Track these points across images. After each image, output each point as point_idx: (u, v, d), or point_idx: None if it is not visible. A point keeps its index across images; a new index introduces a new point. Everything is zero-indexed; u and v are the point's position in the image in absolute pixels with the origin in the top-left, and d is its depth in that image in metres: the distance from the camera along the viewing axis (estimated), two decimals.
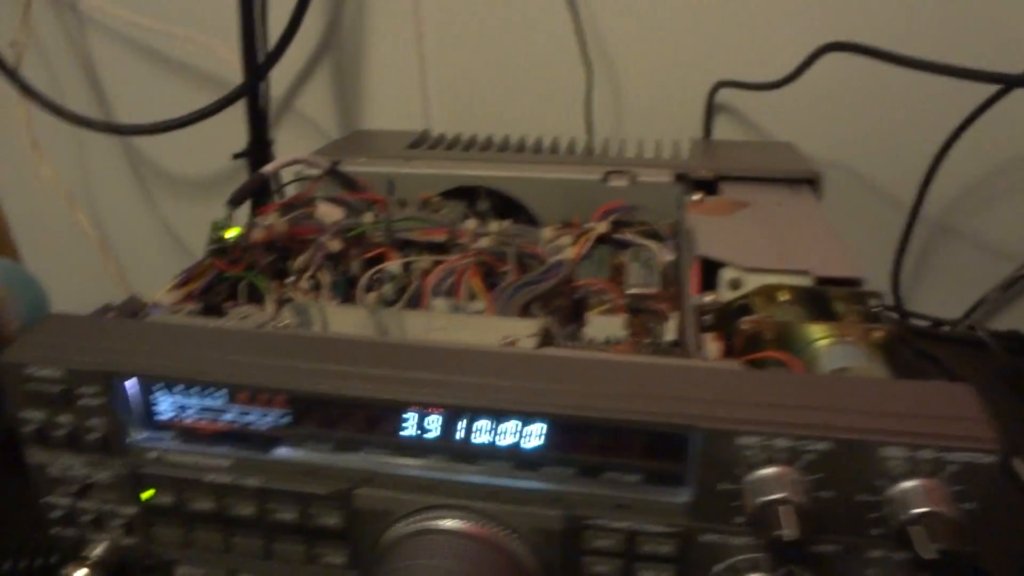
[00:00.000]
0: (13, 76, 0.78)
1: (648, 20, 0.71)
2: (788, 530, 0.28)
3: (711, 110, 0.72)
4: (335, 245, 0.48)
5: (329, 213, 0.50)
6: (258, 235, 0.48)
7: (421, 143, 0.66)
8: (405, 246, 0.50)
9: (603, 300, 0.44)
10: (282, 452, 0.34)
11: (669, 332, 0.43)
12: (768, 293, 0.42)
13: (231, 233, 0.45)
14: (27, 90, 0.78)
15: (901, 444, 0.29)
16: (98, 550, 0.36)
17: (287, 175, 0.58)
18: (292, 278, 0.47)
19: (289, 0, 0.70)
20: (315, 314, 0.40)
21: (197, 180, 0.89)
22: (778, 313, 0.41)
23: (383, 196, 0.53)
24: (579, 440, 0.32)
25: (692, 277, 0.44)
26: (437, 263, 0.48)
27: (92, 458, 0.35)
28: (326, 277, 0.46)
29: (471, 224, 0.50)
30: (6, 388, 0.35)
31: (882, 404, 0.30)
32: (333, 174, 0.53)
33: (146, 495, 0.36)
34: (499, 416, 0.32)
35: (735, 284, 0.42)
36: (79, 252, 0.89)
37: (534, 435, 0.32)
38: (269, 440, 0.34)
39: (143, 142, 0.88)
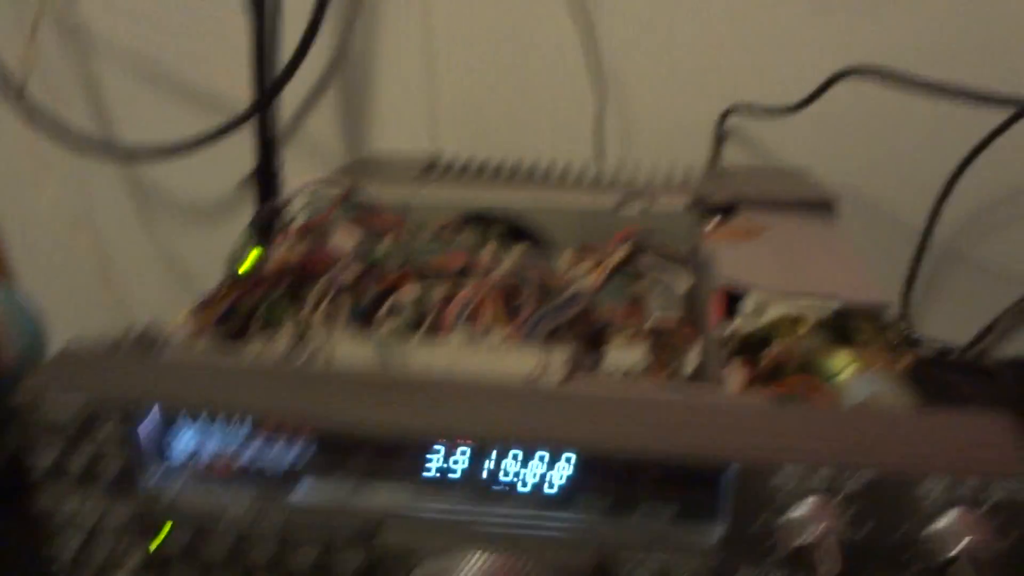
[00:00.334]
0: (18, 99, 0.77)
1: (661, 44, 0.71)
2: (830, 564, 0.28)
3: (723, 135, 0.72)
4: (352, 272, 0.48)
5: (346, 239, 0.50)
6: (274, 262, 0.47)
7: (433, 168, 0.66)
8: (424, 273, 0.50)
9: (623, 329, 0.44)
10: (302, 493, 0.33)
11: (691, 362, 0.42)
12: (791, 320, 0.42)
13: (250, 259, 0.45)
14: (32, 114, 0.78)
15: (942, 475, 0.28)
16: None
17: (300, 199, 0.58)
18: (308, 307, 0.46)
19: (298, 23, 0.70)
20: (333, 346, 0.40)
21: (201, 205, 0.89)
22: (802, 341, 0.41)
23: (400, 221, 0.53)
24: (609, 476, 0.32)
25: (714, 305, 0.44)
26: (457, 290, 0.47)
27: (104, 499, 0.34)
28: (343, 306, 0.46)
29: (489, 251, 0.49)
30: (17, 425, 0.34)
31: (918, 435, 0.30)
32: (350, 200, 0.52)
33: (160, 537, 0.35)
34: (528, 451, 0.31)
35: (758, 310, 0.42)
36: (79, 277, 0.88)
37: (563, 471, 0.32)
38: (288, 480, 0.34)
39: (148, 167, 0.87)
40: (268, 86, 0.71)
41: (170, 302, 0.46)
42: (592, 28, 0.71)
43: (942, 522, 0.29)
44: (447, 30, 0.75)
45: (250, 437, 0.34)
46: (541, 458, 0.32)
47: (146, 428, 0.34)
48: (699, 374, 0.42)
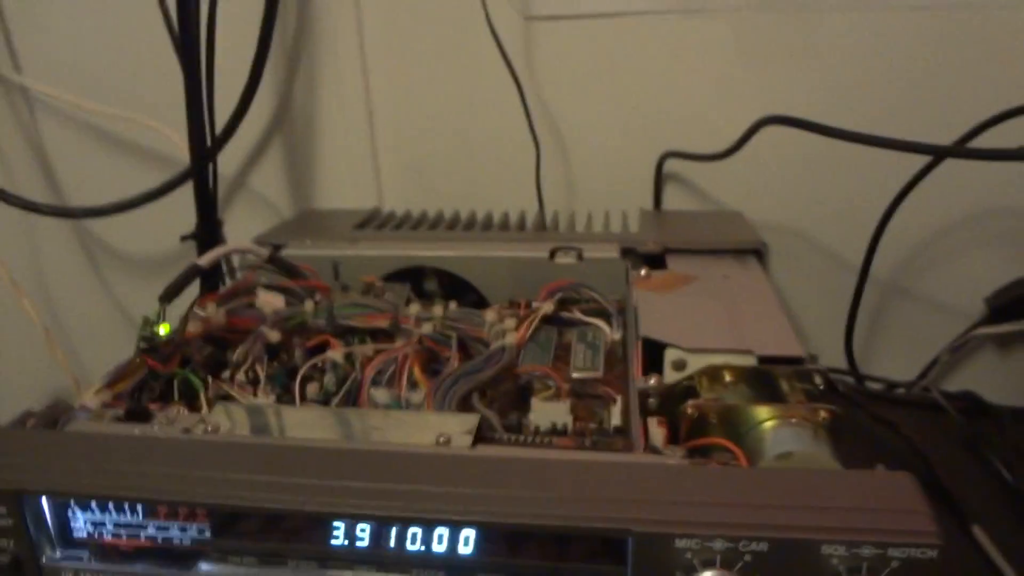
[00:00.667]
0: None
1: (595, 95, 0.72)
2: None
3: (660, 180, 0.72)
4: (275, 335, 0.47)
5: (269, 302, 0.49)
6: (194, 328, 0.46)
7: (369, 223, 0.66)
8: (348, 333, 0.49)
9: (547, 385, 0.43)
10: (205, 568, 0.32)
11: (615, 416, 0.42)
12: (713, 374, 0.41)
13: (163, 329, 0.44)
14: None
15: (841, 541, 0.28)
16: None
17: (236, 261, 0.58)
18: (229, 372, 0.46)
19: (239, 79, 0.70)
20: (244, 414, 0.39)
21: (151, 260, 0.88)
22: (724, 394, 0.41)
23: (325, 282, 0.52)
24: (515, 546, 0.31)
25: (635, 359, 0.43)
26: (379, 351, 0.47)
27: None
28: (263, 370, 0.45)
29: (414, 308, 0.49)
30: None
31: (821, 499, 0.29)
32: (274, 261, 0.52)
33: None
34: (427, 528, 0.31)
35: (679, 365, 0.42)
36: (28, 339, 0.87)
37: (468, 543, 0.31)
38: (192, 555, 0.33)
39: (94, 223, 0.87)
40: (209, 144, 0.70)
41: (124, 357, 0.45)
42: (527, 81, 0.71)
43: None
44: (386, 86, 0.76)
45: (148, 514, 0.33)
46: (440, 536, 0.31)
47: (43, 509, 0.33)
48: (623, 428, 0.41)
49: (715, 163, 0.67)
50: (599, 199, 0.74)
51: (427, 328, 0.47)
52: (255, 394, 0.44)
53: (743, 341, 0.42)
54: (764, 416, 0.38)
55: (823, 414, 0.38)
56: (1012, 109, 0.53)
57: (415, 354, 0.45)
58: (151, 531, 0.33)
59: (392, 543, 0.32)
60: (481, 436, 0.37)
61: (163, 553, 0.33)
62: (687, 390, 0.41)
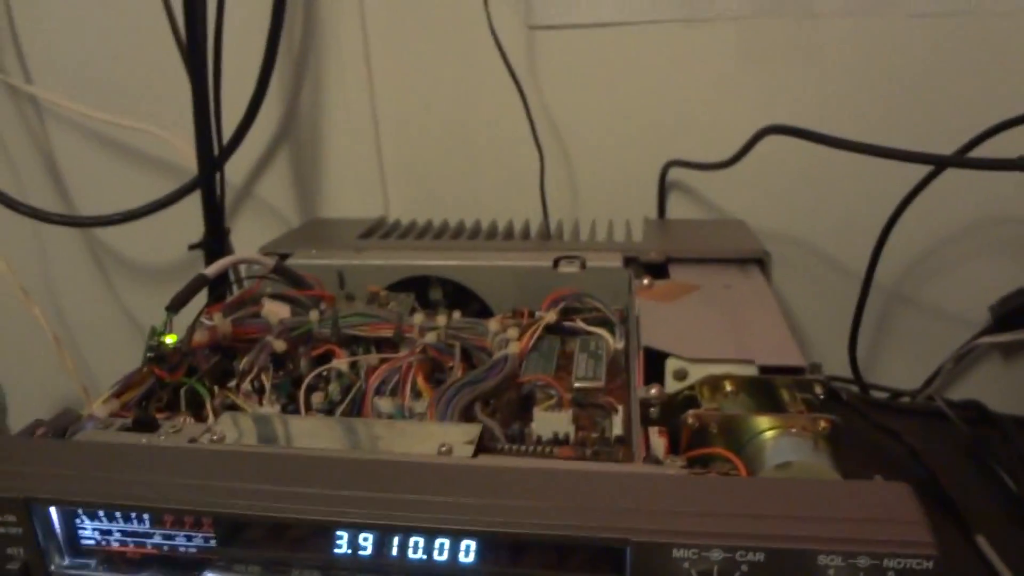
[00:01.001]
0: None
1: (598, 104, 0.73)
2: None
3: (664, 189, 0.73)
4: (280, 345, 0.47)
5: (275, 311, 0.50)
6: (201, 337, 0.47)
7: (374, 232, 0.66)
8: (353, 342, 0.50)
9: (549, 395, 0.44)
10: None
11: (616, 426, 0.42)
12: (714, 383, 0.42)
13: (170, 339, 0.45)
14: None
15: (837, 552, 0.28)
16: None
17: (244, 271, 0.58)
18: (235, 381, 0.46)
19: (246, 89, 0.70)
20: (250, 424, 0.39)
21: (161, 269, 0.89)
22: (724, 404, 0.41)
23: (331, 292, 0.53)
24: (515, 555, 0.31)
25: (637, 369, 0.44)
26: (384, 360, 0.47)
27: None
28: (269, 379, 0.46)
29: (418, 318, 0.49)
30: None
31: (818, 509, 0.30)
32: (279, 271, 0.52)
33: None
34: (429, 538, 0.31)
35: (680, 375, 0.42)
36: (39, 347, 0.88)
37: (469, 552, 0.31)
38: (197, 564, 0.33)
39: (103, 232, 0.88)
40: (216, 153, 0.71)
41: (133, 366, 0.45)
42: (531, 89, 0.72)
43: None
44: (391, 95, 0.76)
45: (154, 523, 0.33)
46: (441, 546, 0.31)
47: (51, 518, 0.33)
48: (624, 438, 0.41)
49: (719, 171, 0.67)
50: (603, 207, 0.74)
51: (431, 337, 0.47)
52: (261, 403, 0.45)
53: (744, 351, 0.43)
54: (764, 426, 0.39)
55: (823, 424, 0.38)
56: (1014, 118, 0.53)
57: (418, 364, 0.45)
58: (157, 539, 0.33)
59: (395, 552, 0.32)
60: (483, 446, 0.37)
61: (169, 561, 0.33)
62: (688, 400, 0.41)
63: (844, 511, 0.30)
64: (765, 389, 0.41)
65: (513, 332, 0.48)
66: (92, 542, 0.34)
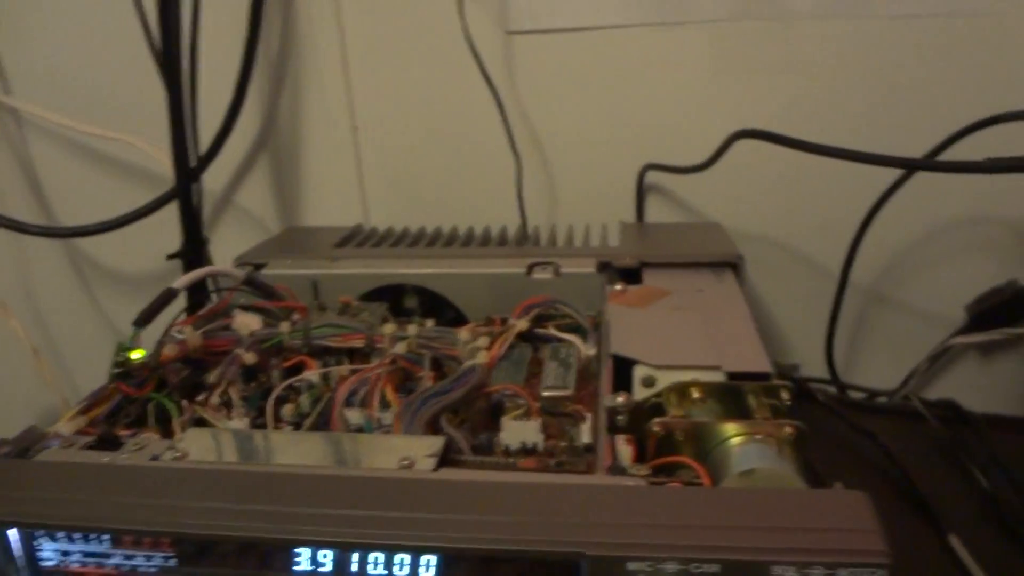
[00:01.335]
0: None
1: (575, 108, 0.73)
2: None
3: (642, 193, 0.73)
4: (250, 357, 0.47)
5: (246, 323, 0.50)
6: (170, 351, 0.47)
7: (350, 240, 0.66)
8: (325, 353, 0.50)
9: (518, 404, 0.44)
10: None
11: (585, 434, 0.42)
12: (681, 390, 0.42)
13: (136, 354, 0.45)
14: None
15: (791, 562, 0.28)
16: None
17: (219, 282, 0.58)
18: (204, 394, 0.46)
19: (224, 98, 0.70)
20: (213, 440, 0.39)
21: (141, 278, 0.89)
22: (692, 410, 0.41)
23: (304, 302, 0.53)
24: (475, 570, 0.31)
25: (605, 376, 0.44)
26: (355, 371, 0.47)
27: None
28: (237, 392, 0.45)
29: (389, 328, 0.49)
30: None
31: (774, 519, 0.30)
32: (251, 283, 0.52)
33: None
34: (391, 551, 0.31)
35: (648, 382, 0.42)
36: (19, 359, 0.87)
37: (429, 567, 0.31)
38: None
39: (83, 242, 0.87)
40: (193, 164, 0.71)
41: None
42: (507, 95, 0.72)
43: None
44: (369, 102, 0.76)
45: (114, 544, 0.33)
46: (401, 561, 0.31)
47: (8, 540, 0.33)
48: (593, 446, 0.42)
49: (696, 175, 0.68)
50: (581, 211, 0.74)
51: (401, 348, 0.47)
52: (229, 416, 0.45)
53: (712, 357, 0.43)
54: (729, 433, 0.39)
55: (788, 430, 0.38)
56: (984, 119, 0.54)
57: (388, 374, 0.45)
58: (118, 560, 0.33)
59: (355, 569, 0.32)
60: (448, 458, 0.37)
61: None
62: (656, 407, 0.41)
63: (800, 520, 0.30)
64: (732, 395, 0.41)
65: (483, 341, 0.48)
66: (52, 563, 0.34)
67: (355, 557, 0.32)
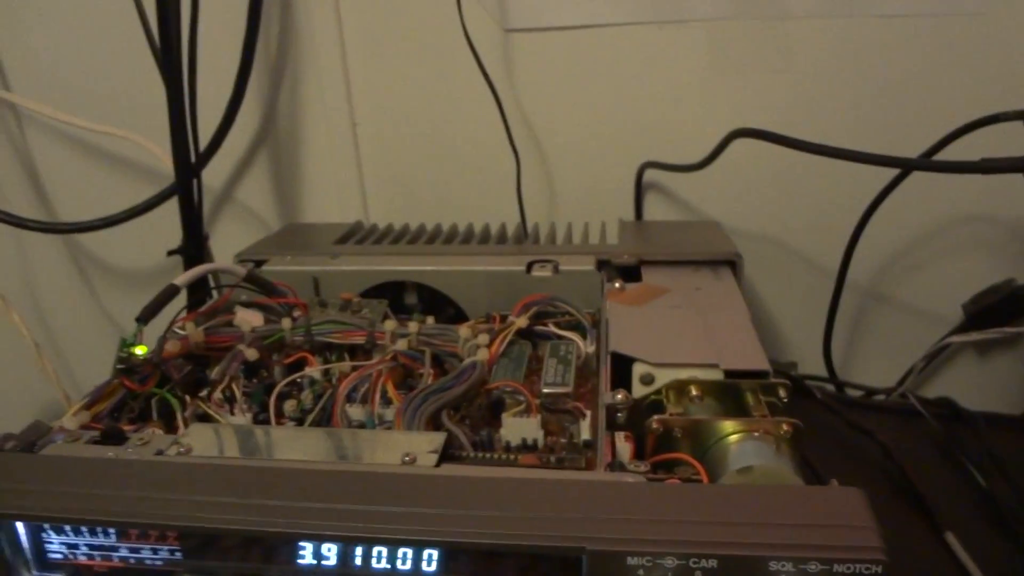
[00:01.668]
0: None
1: (574, 106, 0.73)
2: None
3: (640, 191, 0.73)
4: (252, 353, 0.48)
5: (248, 320, 0.50)
6: (173, 347, 0.47)
7: (350, 237, 0.67)
8: (326, 350, 0.50)
9: (518, 401, 0.44)
10: None
11: (584, 431, 0.43)
12: (679, 388, 0.42)
13: (139, 350, 0.45)
14: None
15: (788, 558, 0.29)
16: None
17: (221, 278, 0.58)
18: (207, 390, 0.46)
19: (224, 95, 0.71)
20: (217, 435, 0.40)
21: (142, 274, 0.89)
22: (690, 408, 0.42)
23: (304, 299, 0.53)
24: (477, 564, 0.32)
25: (604, 374, 0.44)
26: (356, 367, 0.47)
27: None
28: (240, 388, 0.46)
29: (390, 325, 0.50)
30: None
31: (771, 515, 0.30)
32: (251, 279, 0.53)
33: None
34: (394, 544, 0.32)
35: (647, 380, 0.43)
36: (20, 355, 0.88)
37: (431, 561, 0.32)
38: None
39: (84, 238, 0.88)
40: (193, 160, 0.71)
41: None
42: (506, 93, 0.72)
43: None
44: (369, 99, 0.77)
45: (119, 537, 0.34)
46: (404, 555, 0.32)
47: (17, 533, 0.34)
48: (592, 443, 0.42)
49: (695, 173, 0.68)
50: (580, 210, 0.74)
51: (402, 344, 0.47)
52: (232, 412, 0.45)
53: (710, 355, 0.43)
54: (727, 430, 0.39)
55: (785, 427, 0.39)
56: (981, 119, 0.54)
57: (389, 371, 0.46)
58: (124, 553, 0.34)
59: (358, 562, 0.32)
60: (447, 454, 0.37)
61: (136, 574, 0.34)
62: (654, 404, 0.42)
63: (797, 517, 0.30)
64: (730, 393, 0.42)
65: (484, 338, 0.48)
66: (59, 556, 0.34)
67: (358, 551, 0.32)
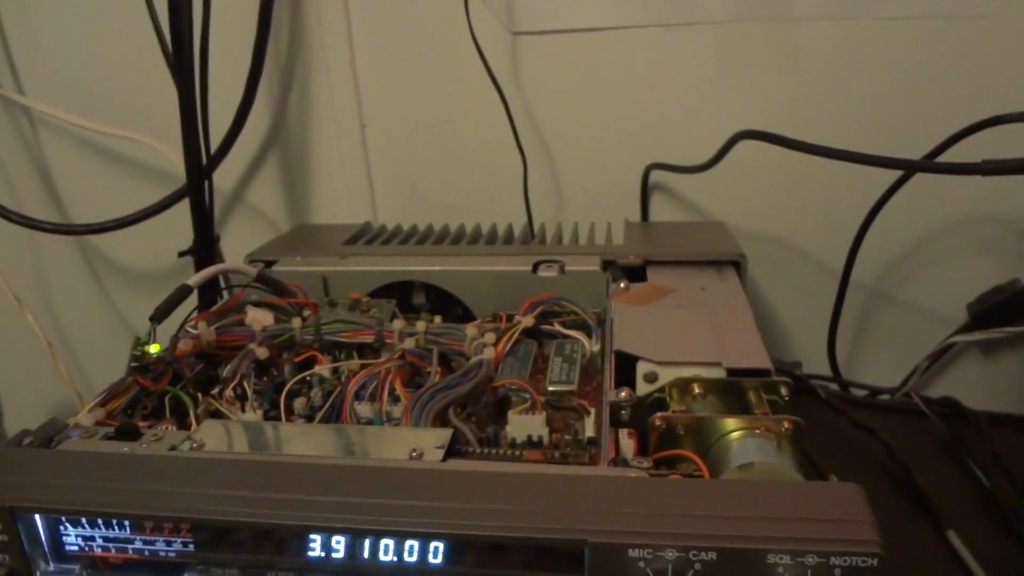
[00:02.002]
0: None
1: (581, 108, 0.74)
2: None
3: (647, 192, 0.74)
4: (262, 352, 0.49)
5: (259, 319, 0.51)
6: (185, 346, 0.48)
7: (359, 238, 0.68)
8: (335, 348, 0.51)
9: (523, 398, 0.45)
10: None
11: (589, 428, 0.43)
12: (683, 386, 0.43)
13: (153, 348, 0.46)
14: None
15: (785, 551, 0.29)
16: None
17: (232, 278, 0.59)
18: (219, 389, 0.47)
19: (234, 97, 0.72)
20: (229, 431, 0.40)
21: (154, 275, 0.90)
22: (693, 405, 0.42)
23: (313, 298, 0.54)
24: (482, 556, 0.33)
25: (608, 372, 0.45)
26: (364, 366, 0.48)
27: None
28: (251, 386, 0.47)
29: (398, 324, 0.50)
30: None
31: (771, 509, 0.31)
32: (262, 280, 0.54)
33: None
34: (401, 537, 0.32)
35: (650, 378, 0.43)
36: (34, 354, 0.89)
37: (437, 554, 0.33)
38: (177, 567, 0.34)
39: (97, 240, 0.89)
40: (204, 162, 0.72)
41: (124, 371, 0.47)
42: (513, 95, 0.73)
43: None
44: (377, 101, 0.77)
45: (134, 529, 0.35)
46: (411, 548, 0.32)
47: (36, 525, 0.35)
48: (596, 440, 0.43)
49: (701, 174, 0.68)
50: (587, 210, 0.75)
51: (410, 343, 0.48)
52: (243, 410, 0.46)
53: (713, 353, 0.44)
54: (729, 427, 0.40)
55: (786, 425, 0.39)
56: (983, 120, 0.54)
57: (397, 369, 0.47)
58: (138, 545, 0.34)
59: (366, 555, 0.33)
60: (455, 450, 0.38)
61: (150, 565, 0.35)
62: (658, 402, 0.43)
63: (796, 511, 0.31)
64: (733, 391, 0.42)
65: (490, 337, 0.49)
66: (76, 548, 0.35)
67: (367, 543, 0.33)
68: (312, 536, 0.33)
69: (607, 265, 0.58)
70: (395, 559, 0.33)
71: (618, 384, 0.43)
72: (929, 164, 0.54)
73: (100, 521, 0.34)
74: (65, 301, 0.93)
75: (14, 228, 0.81)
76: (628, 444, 0.40)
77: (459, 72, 0.74)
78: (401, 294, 0.59)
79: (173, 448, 0.38)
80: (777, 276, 0.73)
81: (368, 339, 0.50)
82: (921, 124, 0.65)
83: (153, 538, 0.34)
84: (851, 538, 0.29)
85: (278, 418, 0.45)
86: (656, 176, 0.74)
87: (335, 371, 0.49)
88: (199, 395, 0.47)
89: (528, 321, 0.51)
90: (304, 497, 0.33)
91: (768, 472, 0.37)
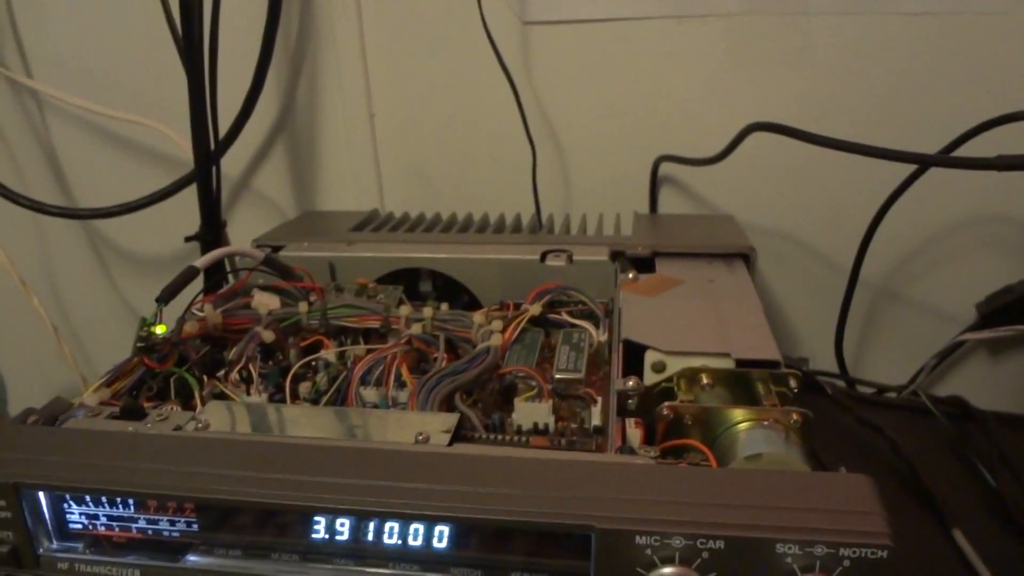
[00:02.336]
0: None
1: (591, 99, 0.73)
2: None
3: (656, 184, 0.73)
4: (268, 335, 0.48)
5: (265, 303, 0.51)
6: (191, 328, 0.48)
7: (366, 224, 0.67)
8: (341, 333, 0.51)
9: (530, 386, 0.45)
10: (192, 560, 0.34)
11: (595, 417, 0.43)
12: (691, 376, 0.42)
13: (159, 329, 0.46)
14: None
15: (794, 541, 0.29)
16: None
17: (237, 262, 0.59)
18: (224, 371, 0.47)
19: (243, 83, 0.71)
20: (234, 412, 0.40)
21: (159, 260, 0.90)
22: (701, 396, 0.42)
23: (319, 283, 0.54)
24: (487, 540, 0.32)
25: (616, 361, 0.44)
26: (370, 351, 0.48)
27: (4, 569, 0.35)
28: (256, 369, 0.47)
29: (405, 310, 0.50)
30: None
31: (779, 499, 0.31)
32: (269, 263, 0.53)
33: None
34: (406, 520, 0.32)
35: (658, 367, 0.43)
36: (39, 338, 0.89)
37: (442, 537, 0.32)
38: (180, 548, 0.34)
39: (103, 224, 0.89)
40: (212, 148, 0.72)
41: (128, 354, 0.47)
42: (524, 85, 0.72)
43: None
44: (386, 90, 0.77)
45: (138, 508, 0.34)
46: (416, 531, 0.32)
47: (39, 502, 0.35)
48: (602, 429, 0.42)
49: (710, 167, 0.68)
50: (595, 202, 0.75)
51: (416, 329, 0.48)
52: (248, 392, 0.46)
53: (722, 344, 0.43)
54: (737, 418, 0.39)
55: (795, 417, 0.39)
56: (997, 117, 0.54)
57: (403, 354, 0.46)
58: (142, 524, 0.34)
59: (370, 537, 0.33)
60: (459, 435, 0.38)
61: (153, 545, 0.35)
62: (665, 392, 0.42)
63: (805, 501, 0.30)
64: (741, 382, 0.42)
65: (497, 324, 0.49)
66: (79, 526, 0.35)
67: (371, 525, 0.33)
68: (316, 518, 0.33)
69: (615, 256, 0.57)
70: (400, 542, 0.33)
71: (626, 373, 0.43)
72: (943, 158, 0.53)
73: (104, 499, 0.34)
74: (71, 285, 0.93)
75: (21, 211, 0.81)
76: (635, 433, 0.40)
77: (468, 61, 0.74)
78: (408, 281, 0.59)
79: (178, 428, 0.38)
80: (785, 271, 0.73)
81: (374, 324, 0.50)
82: (932, 121, 0.64)
83: (157, 517, 0.34)
84: (861, 529, 0.29)
85: (283, 402, 0.45)
86: (665, 168, 0.73)
87: (341, 356, 0.49)
88: (204, 377, 0.46)
89: (535, 309, 0.51)
90: (309, 478, 0.33)
91: (776, 463, 0.36)
